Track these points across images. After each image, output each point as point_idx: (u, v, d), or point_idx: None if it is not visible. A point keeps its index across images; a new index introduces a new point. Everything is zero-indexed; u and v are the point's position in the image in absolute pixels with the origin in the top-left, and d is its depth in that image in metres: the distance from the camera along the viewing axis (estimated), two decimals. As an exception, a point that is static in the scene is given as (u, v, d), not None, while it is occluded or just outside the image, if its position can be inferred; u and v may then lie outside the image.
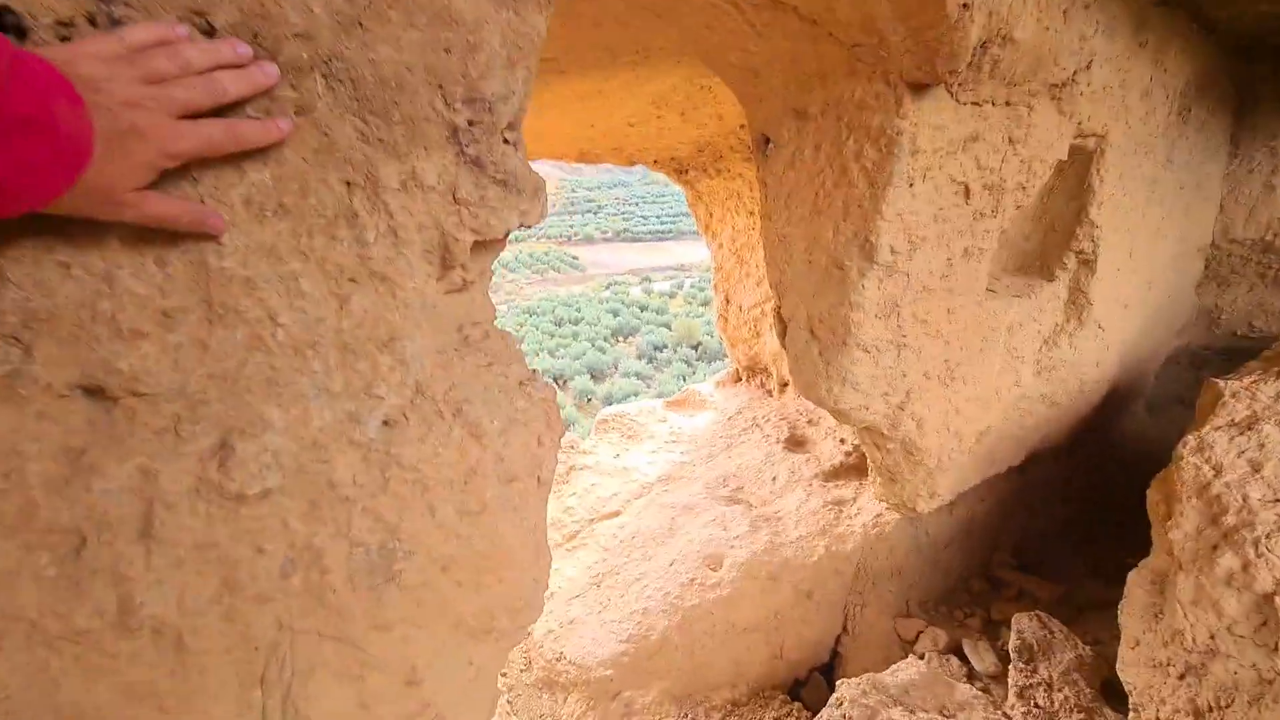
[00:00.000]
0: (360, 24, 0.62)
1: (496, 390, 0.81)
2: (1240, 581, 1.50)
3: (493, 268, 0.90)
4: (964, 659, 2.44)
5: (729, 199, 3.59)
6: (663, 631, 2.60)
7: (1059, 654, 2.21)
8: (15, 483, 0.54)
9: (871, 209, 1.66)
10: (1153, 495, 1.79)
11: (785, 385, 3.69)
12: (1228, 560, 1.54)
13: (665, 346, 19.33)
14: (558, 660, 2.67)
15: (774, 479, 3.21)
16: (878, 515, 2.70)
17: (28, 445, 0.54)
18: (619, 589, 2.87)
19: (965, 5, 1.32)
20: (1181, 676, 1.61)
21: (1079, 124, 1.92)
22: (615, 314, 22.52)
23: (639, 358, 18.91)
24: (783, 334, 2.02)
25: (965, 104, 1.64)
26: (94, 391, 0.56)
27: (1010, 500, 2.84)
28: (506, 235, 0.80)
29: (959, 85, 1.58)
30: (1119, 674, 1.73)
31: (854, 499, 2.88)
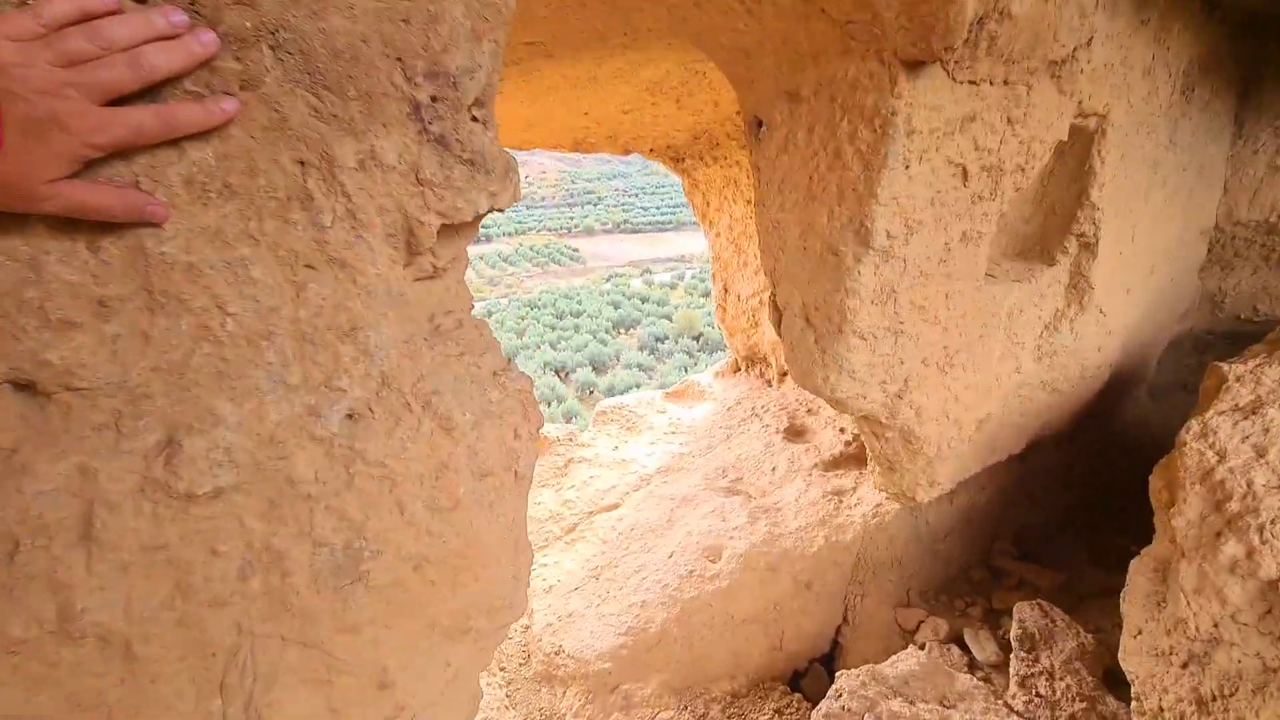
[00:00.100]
0: (309, -10, 0.59)
1: (469, 381, 0.77)
2: (1244, 569, 1.48)
3: (469, 253, 0.87)
4: (965, 648, 2.42)
5: (726, 186, 3.54)
6: (661, 624, 2.59)
7: (1060, 642, 2.19)
8: (-60, 484, 0.51)
9: (866, 192, 1.61)
10: (1155, 482, 1.75)
11: (784, 375, 3.66)
12: (1231, 547, 1.51)
13: (667, 338, 19.32)
14: (556, 653, 2.66)
15: (773, 469, 3.19)
16: (877, 505, 2.67)
17: (-49, 444, 0.51)
18: (618, 581, 2.85)
19: (960, -22, 1.28)
20: (1184, 665, 1.59)
21: (1079, 103, 1.87)
22: (616, 306, 22.49)
23: (641, 349, 18.89)
24: (778, 322, 1.98)
25: (962, 83, 1.60)
26: (24, 386, 0.53)
27: (1011, 488, 2.81)
28: (478, 219, 0.77)
29: (955, 63, 1.54)
30: (1121, 663, 1.71)
31: (854, 489, 2.85)
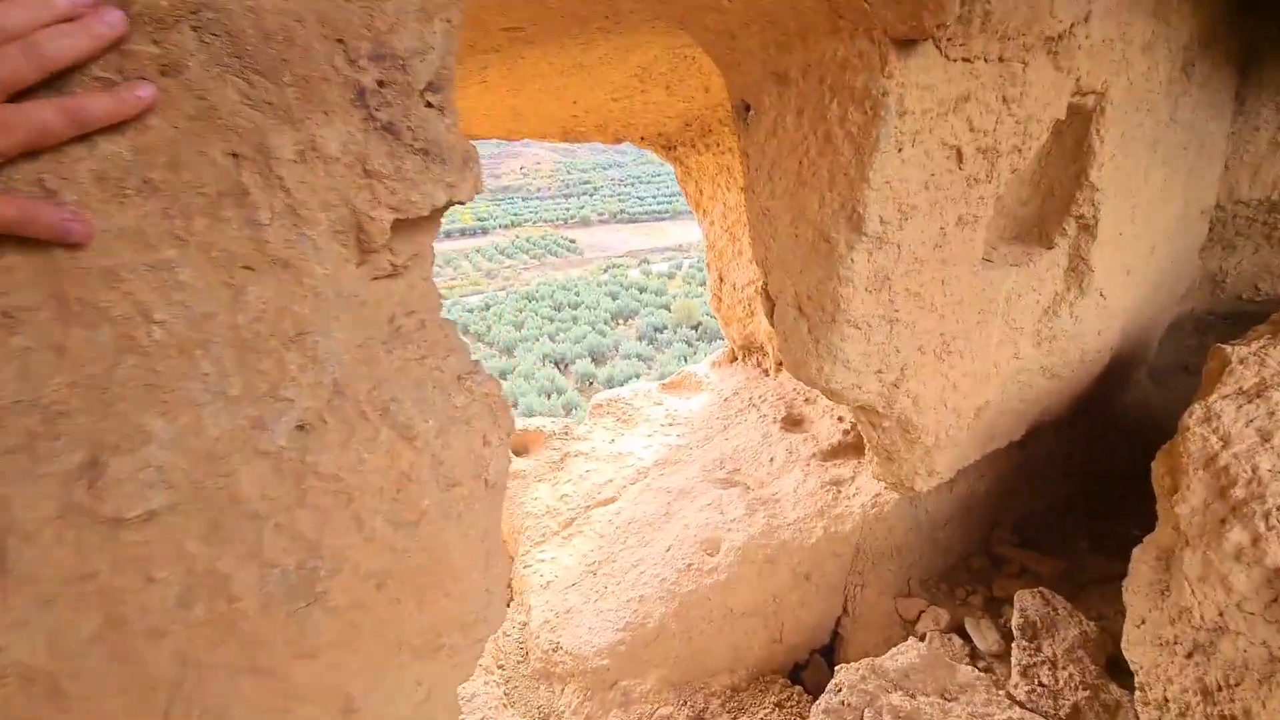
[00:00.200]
0: (233, -35, 0.53)
1: (430, 386, 0.73)
2: (1250, 556, 1.45)
3: (434, 248, 0.82)
4: (966, 638, 2.40)
5: (719, 174, 3.48)
6: (660, 619, 2.56)
7: (1063, 631, 2.16)
8: None
9: (858, 177, 1.56)
10: (1158, 468, 1.72)
11: (781, 364, 3.62)
12: (1236, 534, 1.48)
13: (665, 328, 19.28)
14: (554, 650, 2.64)
15: (771, 460, 3.15)
16: (876, 495, 2.64)
17: None
18: (615, 576, 2.83)
19: (952, -51, 1.22)
20: (1189, 655, 1.56)
21: (1077, 80, 1.81)
22: (614, 297, 22.44)
23: (639, 339, 18.87)
24: (770, 312, 1.94)
25: (955, 61, 1.54)
26: (-80, 409, 0.48)
27: (1011, 475, 2.78)
28: (438, 213, 0.72)
29: (948, 40, 1.48)
30: (1124, 653, 1.68)
31: (852, 478, 2.82)
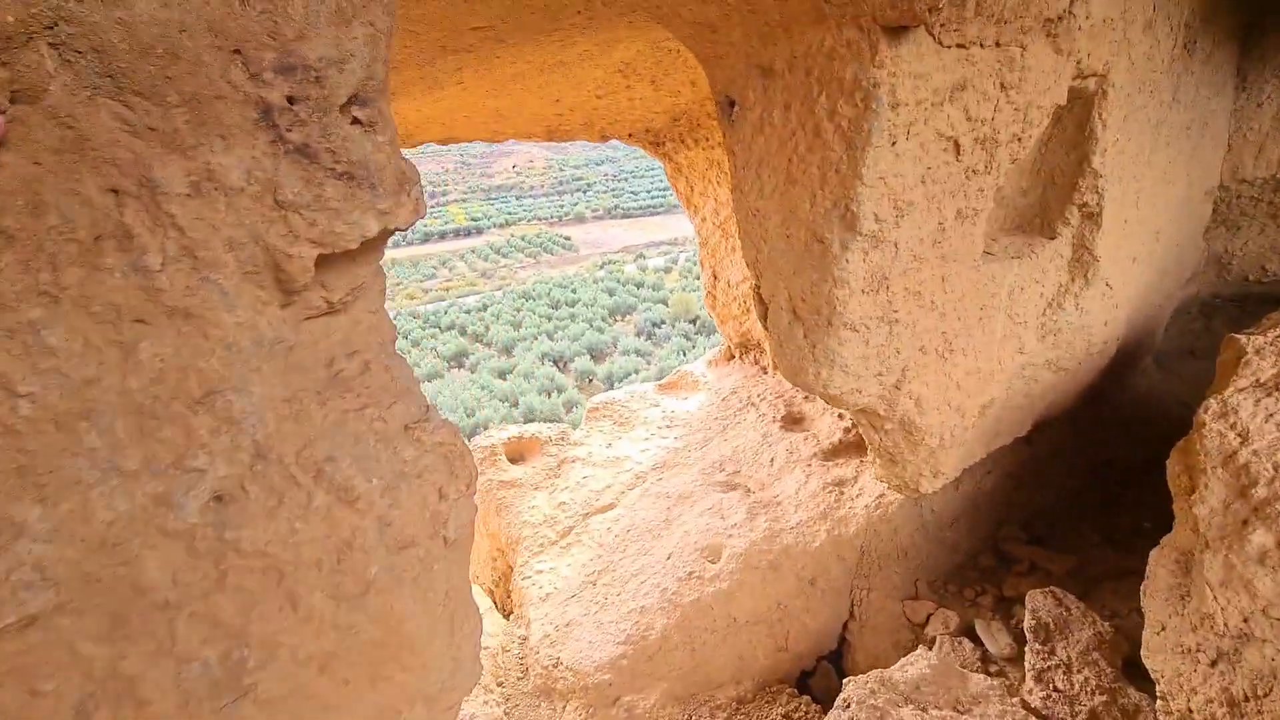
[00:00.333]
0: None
1: (373, 440, 0.64)
2: (1275, 560, 1.38)
3: (383, 273, 0.73)
4: (977, 641, 2.33)
5: (709, 169, 3.39)
6: (662, 630, 2.49)
7: (1077, 632, 2.09)
8: None
9: (850, 173, 1.47)
10: (1173, 466, 1.64)
11: (777, 362, 3.54)
12: (1260, 537, 1.41)
13: (663, 322, 19.19)
14: (554, 666, 2.57)
15: (771, 460, 3.07)
16: (880, 495, 2.57)
17: None
18: (615, 586, 2.75)
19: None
20: (1213, 664, 1.48)
21: (1078, 63, 1.72)
22: (611, 293, 22.32)
23: (638, 335, 18.78)
24: (764, 315, 1.85)
25: (950, 47, 1.45)
26: None
27: (1017, 471, 2.70)
28: (373, 242, 0.63)
29: (941, 26, 1.39)
30: (1144, 661, 1.61)
31: (855, 478, 2.74)
